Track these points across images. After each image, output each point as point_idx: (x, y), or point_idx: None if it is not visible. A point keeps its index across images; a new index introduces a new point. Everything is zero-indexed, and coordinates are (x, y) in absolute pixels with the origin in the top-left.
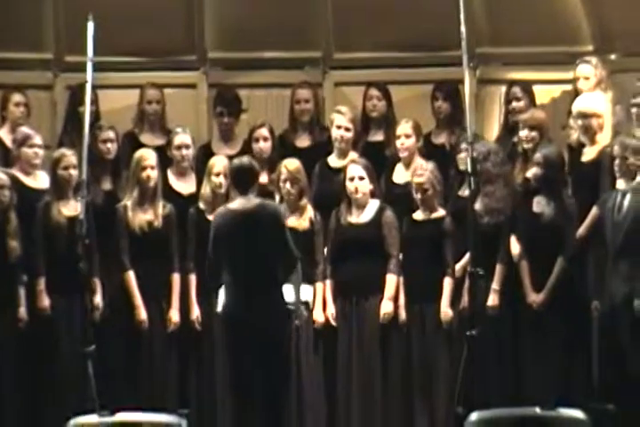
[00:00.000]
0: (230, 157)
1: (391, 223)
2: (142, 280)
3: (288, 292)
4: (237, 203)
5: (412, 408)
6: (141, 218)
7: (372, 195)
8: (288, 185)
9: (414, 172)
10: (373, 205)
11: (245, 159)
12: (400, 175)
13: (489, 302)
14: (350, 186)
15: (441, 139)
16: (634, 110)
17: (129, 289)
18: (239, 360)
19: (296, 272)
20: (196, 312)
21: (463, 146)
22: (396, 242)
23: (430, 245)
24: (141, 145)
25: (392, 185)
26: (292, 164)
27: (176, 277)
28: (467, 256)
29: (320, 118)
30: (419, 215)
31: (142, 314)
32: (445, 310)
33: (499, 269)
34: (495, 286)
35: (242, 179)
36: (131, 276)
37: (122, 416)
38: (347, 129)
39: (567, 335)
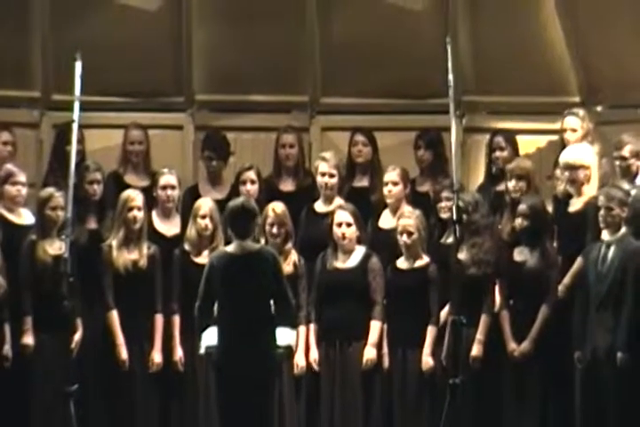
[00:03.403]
0: (217, 201)
1: (377, 270)
2: (125, 320)
3: (281, 336)
4: (236, 247)
5: None
6: (126, 258)
7: (359, 241)
8: (274, 228)
9: (401, 215)
10: (360, 251)
11: (244, 200)
12: (387, 221)
13: (473, 352)
14: (337, 231)
15: (425, 187)
16: (617, 162)
17: (111, 328)
18: (225, 402)
19: (290, 316)
20: (178, 353)
21: (444, 194)
22: (380, 289)
23: (414, 293)
24: (126, 185)
25: (378, 231)
26: (278, 207)
27: (159, 318)
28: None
29: (305, 163)
30: (403, 263)
31: (123, 354)
32: (427, 359)
33: (483, 319)
34: (479, 336)
35: (241, 222)
36: (114, 315)
37: None
38: (331, 175)
39: (549, 386)
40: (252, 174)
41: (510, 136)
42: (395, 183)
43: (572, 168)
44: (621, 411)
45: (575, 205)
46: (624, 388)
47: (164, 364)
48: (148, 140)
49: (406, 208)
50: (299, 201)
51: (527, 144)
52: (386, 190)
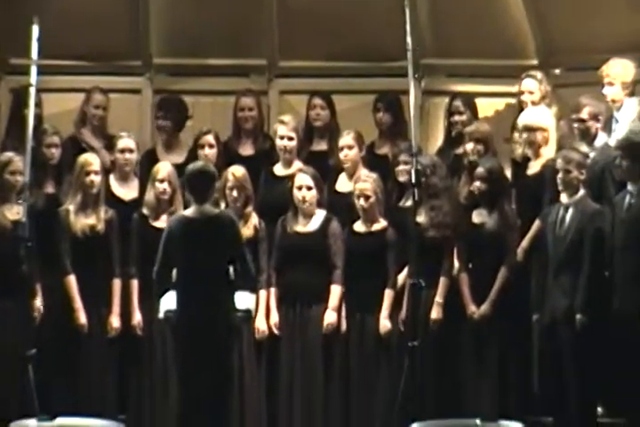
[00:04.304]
0: (176, 165)
1: (337, 234)
2: (83, 284)
3: (240, 299)
4: (195, 211)
5: (352, 418)
6: (84, 222)
7: (319, 204)
8: (234, 192)
9: (358, 179)
10: (320, 215)
11: (203, 164)
12: (343, 184)
13: (432, 314)
14: (298, 195)
15: (384, 149)
16: (576, 125)
17: (69, 293)
18: (184, 365)
19: (250, 281)
20: (137, 318)
21: (402, 158)
22: (340, 253)
23: (372, 256)
24: (83, 149)
25: (335, 194)
26: (238, 171)
27: (117, 283)
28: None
29: (264, 126)
30: (360, 227)
31: (82, 318)
32: (384, 322)
33: (442, 281)
34: (439, 298)
35: (198, 185)
36: (71, 280)
37: (61, 421)
38: (289, 138)
39: (508, 348)
40: (210, 138)
41: (469, 100)
42: (350, 147)
43: (529, 130)
44: (579, 372)
45: (533, 167)
46: (582, 349)
47: (122, 328)
48: (109, 105)
49: (363, 172)
50: (258, 165)
51: (486, 107)
52: (342, 155)
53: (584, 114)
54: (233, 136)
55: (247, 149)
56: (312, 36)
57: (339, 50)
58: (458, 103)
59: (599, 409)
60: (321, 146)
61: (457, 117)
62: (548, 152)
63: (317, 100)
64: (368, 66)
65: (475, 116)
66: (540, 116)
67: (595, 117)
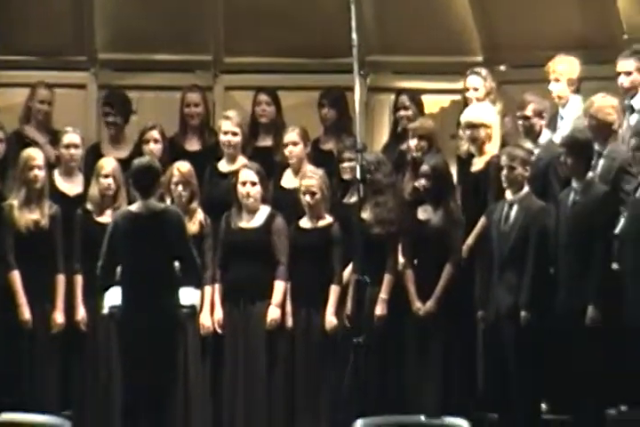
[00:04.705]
0: (120, 160)
1: (281, 230)
2: (27, 280)
3: (185, 295)
4: (140, 206)
5: (296, 414)
6: (27, 217)
7: (263, 200)
8: (180, 188)
9: (304, 175)
10: (264, 210)
11: (148, 160)
12: (289, 181)
13: (377, 311)
14: (242, 190)
15: (329, 145)
16: (520, 122)
17: (13, 288)
18: (129, 361)
19: (196, 277)
20: (81, 313)
21: (347, 155)
22: (284, 249)
23: (317, 252)
24: (28, 144)
25: (281, 190)
26: (183, 166)
27: (61, 278)
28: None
29: (210, 122)
30: (306, 223)
31: (25, 313)
32: (330, 319)
33: (387, 278)
34: (383, 295)
35: (144, 181)
36: (15, 275)
37: (4, 417)
38: (234, 134)
39: (452, 344)
40: (155, 133)
41: (415, 95)
42: (294, 143)
43: (472, 127)
44: (523, 369)
45: (477, 164)
46: (526, 346)
47: (66, 324)
48: (54, 100)
49: (309, 168)
50: (204, 160)
51: (431, 104)
52: (286, 151)
53: (528, 111)
54: (179, 132)
55: (193, 145)
56: (257, 32)
57: (284, 46)
58: (404, 98)
59: (543, 406)
60: (266, 142)
61: (402, 113)
62: (492, 149)
63: (263, 97)
64: (314, 62)
65: (420, 112)
66: (483, 112)
67: (539, 114)
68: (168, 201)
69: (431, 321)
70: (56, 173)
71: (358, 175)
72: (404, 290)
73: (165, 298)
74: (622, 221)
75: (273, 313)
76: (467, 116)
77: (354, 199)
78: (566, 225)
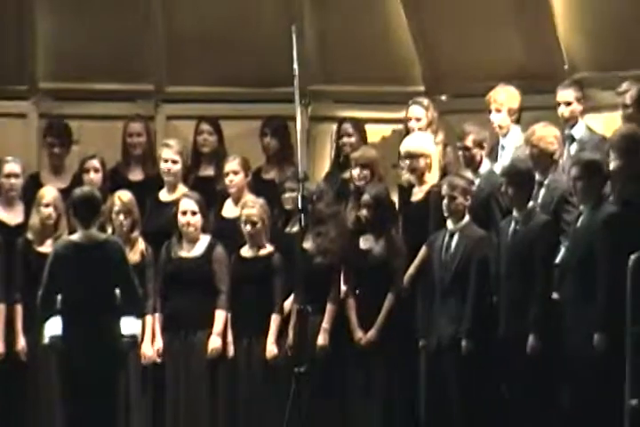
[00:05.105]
0: (60, 190)
1: (221, 259)
2: None
3: (126, 325)
4: (81, 236)
5: None
6: None
7: (204, 230)
8: (121, 217)
9: (244, 204)
10: (204, 240)
11: (88, 189)
12: (230, 210)
13: (319, 340)
14: (182, 220)
15: (271, 174)
16: (461, 152)
17: None
18: (69, 391)
19: (137, 306)
20: (21, 343)
21: (289, 184)
22: (225, 278)
23: (258, 281)
24: None
25: (222, 220)
26: (125, 195)
27: (1, 308)
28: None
29: (152, 152)
30: (247, 252)
31: None
32: (271, 348)
33: (329, 307)
34: (325, 324)
35: (85, 210)
36: None
37: None
38: (174, 162)
39: (394, 374)
40: (95, 163)
41: (358, 123)
42: (235, 172)
43: (412, 157)
44: (465, 398)
45: (417, 194)
46: (468, 375)
47: (6, 354)
48: None
49: (249, 197)
50: (147, 190)
51: (373, 133)
52: (227, 180)
53: (468, 142)
54: (122, 162)
55: (136, 175)
56: (199, 61)
57: (226, 75)
58: (347, 126)
59: None
60: (208, 171)
61: (346, 139)
62: (432, 179)
63: (205, 126)
64: (256, 91)
65: (363, 140)
66: (422, 142)
67: (479, 145)
68: (109, 230)
69: (373, 351)
70: None
71: (300, 205)
72: (347, 320)
73: (106, 328)
74: (562, 250)
75: (214, 342)
76: (406, 145)
77: (295, 229)
78: (507, 254)
